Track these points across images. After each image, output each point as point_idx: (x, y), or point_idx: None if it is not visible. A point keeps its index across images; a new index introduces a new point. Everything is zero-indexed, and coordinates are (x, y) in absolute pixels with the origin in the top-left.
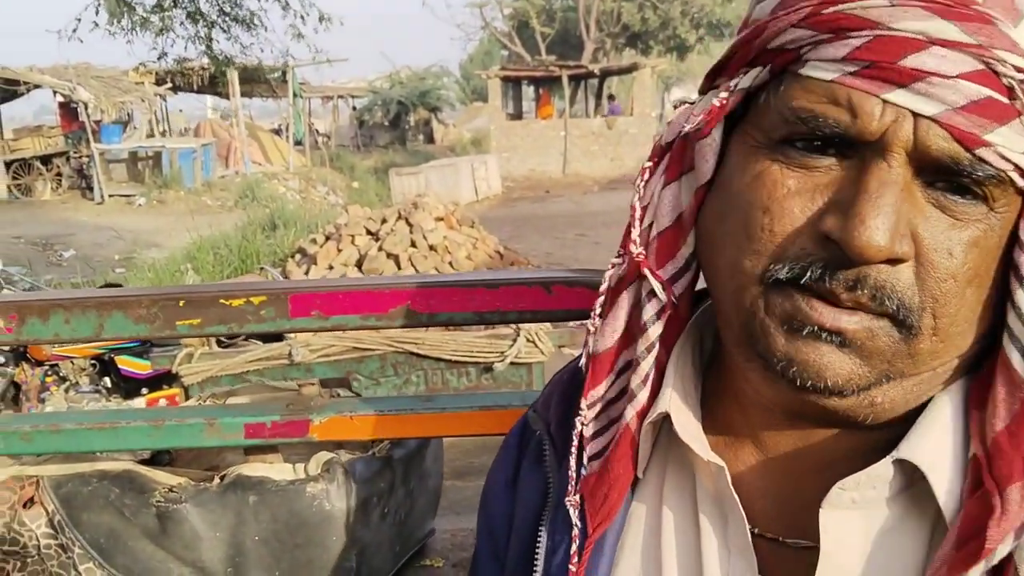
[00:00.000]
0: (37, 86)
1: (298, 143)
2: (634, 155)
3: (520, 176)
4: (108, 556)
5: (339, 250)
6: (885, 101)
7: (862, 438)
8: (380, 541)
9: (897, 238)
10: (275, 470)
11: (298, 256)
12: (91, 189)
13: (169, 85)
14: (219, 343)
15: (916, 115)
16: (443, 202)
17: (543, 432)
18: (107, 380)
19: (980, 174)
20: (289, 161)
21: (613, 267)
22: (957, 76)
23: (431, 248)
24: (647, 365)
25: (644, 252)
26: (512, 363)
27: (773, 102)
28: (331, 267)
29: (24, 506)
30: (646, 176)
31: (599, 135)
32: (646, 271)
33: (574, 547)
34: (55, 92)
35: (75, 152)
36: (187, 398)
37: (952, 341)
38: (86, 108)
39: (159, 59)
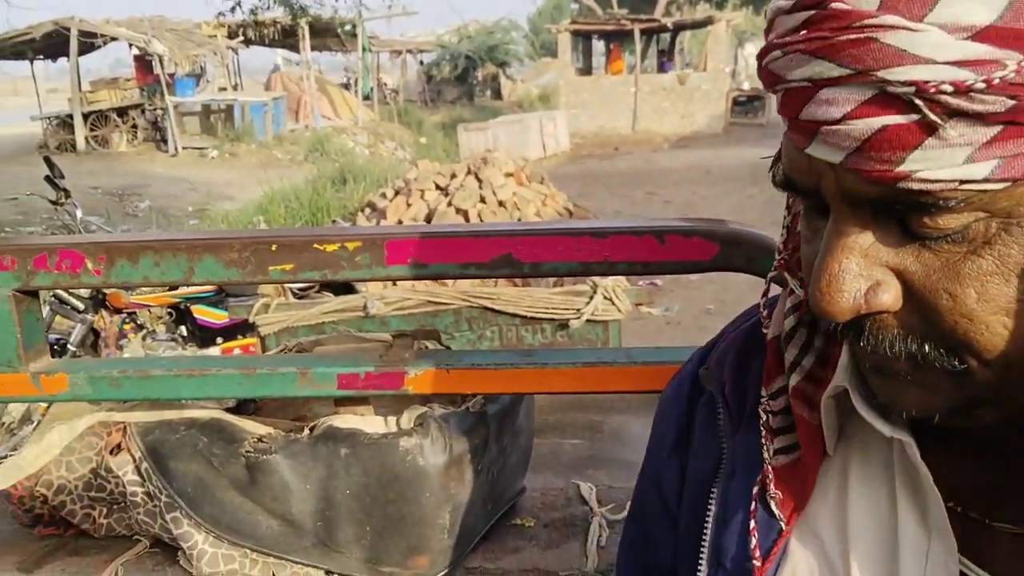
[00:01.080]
0: (113, 39)
1: (366, 98)
2: (706, 112)
3: (589, 133)
4: (195, 506)
5: (408, 204)
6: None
7: None
8: (473, 499)
9: (855, 296)
10: (367, 422)
11: (367, 210)
12: (165, 141)
13: (241, 39)
14: (294, 294)
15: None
16: (512, 158)
17: (717, 394)
18: (183, 329)
19: (940, 205)
20: (358, 116)
21: (775, 270)
22: (842, 118)
23: (500, 204)
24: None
25: (787, 257)
26: (588, 320)
27: None
28: (400, 221)
29: (111, 453)
30: None
31: (670, 91)
32: (785, 274)
33: (754, 541)
34: (131, 45)
35: (150, 104)
36: (263, 348)
37: None
38: (161, 61)
39: (232, 10)
